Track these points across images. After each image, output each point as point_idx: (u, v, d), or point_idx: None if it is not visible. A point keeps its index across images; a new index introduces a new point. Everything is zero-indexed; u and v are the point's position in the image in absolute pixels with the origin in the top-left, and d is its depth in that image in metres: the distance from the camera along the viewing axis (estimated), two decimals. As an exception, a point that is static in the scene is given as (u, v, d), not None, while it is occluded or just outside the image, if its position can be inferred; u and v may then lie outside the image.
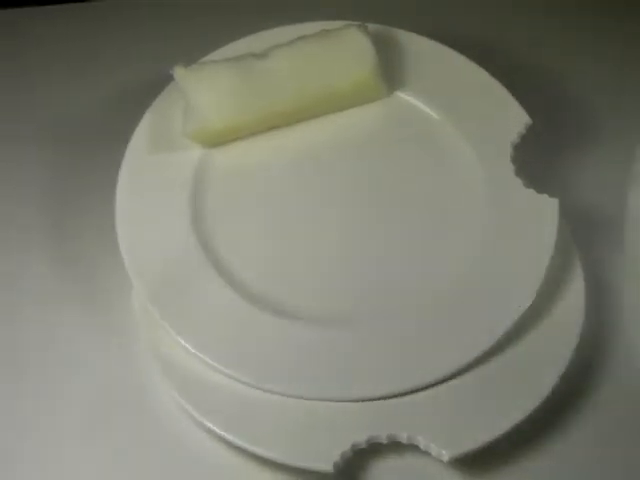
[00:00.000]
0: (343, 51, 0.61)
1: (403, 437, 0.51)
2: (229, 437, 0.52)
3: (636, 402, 0.56)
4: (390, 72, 0.64)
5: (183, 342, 0.54)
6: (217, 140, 0.62)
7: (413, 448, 0.51)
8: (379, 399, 0.52)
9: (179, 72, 0.61)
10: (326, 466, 0.50)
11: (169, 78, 0.61)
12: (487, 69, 0.63)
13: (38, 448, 0.55)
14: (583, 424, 0.55)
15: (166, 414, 0.55)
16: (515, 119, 0.61)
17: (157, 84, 0.63)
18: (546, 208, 0.58)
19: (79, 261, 0.62)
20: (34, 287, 0.61)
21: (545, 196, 0.58)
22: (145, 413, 0.56)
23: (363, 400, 0.52)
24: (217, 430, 0.52)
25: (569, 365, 0.54)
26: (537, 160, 0.63)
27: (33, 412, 0.56)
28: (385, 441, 0.51)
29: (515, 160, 0.59)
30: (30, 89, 0.72)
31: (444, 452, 0.50)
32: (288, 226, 0.59)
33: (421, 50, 0.65)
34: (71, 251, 0.62)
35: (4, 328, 0.60)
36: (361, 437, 0.51)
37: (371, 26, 0.63)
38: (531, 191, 0.58)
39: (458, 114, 0.63)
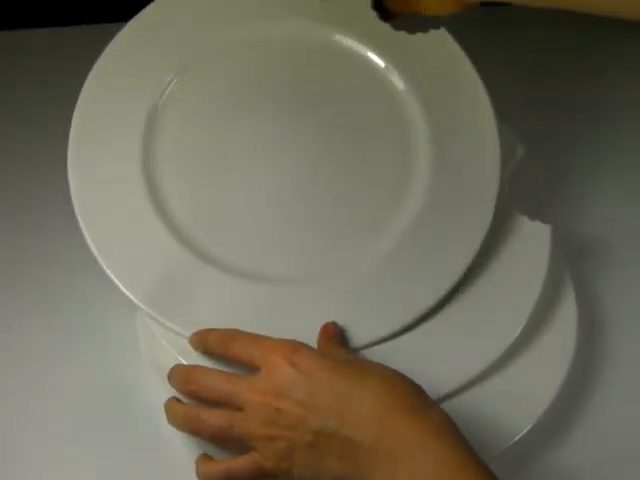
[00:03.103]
0: None
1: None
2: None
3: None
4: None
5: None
6: None
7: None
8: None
9: None
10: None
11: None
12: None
13: (38, 448, 0.57)
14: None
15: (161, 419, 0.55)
16: (509, 149, 0.62)
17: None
18: (539, 234, 0.59)
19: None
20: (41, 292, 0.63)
21: (537, 222, 0.59)
22: (142, 418, 0.58)
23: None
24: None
25: (560, 389, 0.56)
26: (531, 187, 0.64)
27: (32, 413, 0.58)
28: None
29: (509, 187, 0.61)
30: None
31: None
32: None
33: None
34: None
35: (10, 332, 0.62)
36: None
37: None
38: (524, 218, 0.59)
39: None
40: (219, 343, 0.53)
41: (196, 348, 0.54)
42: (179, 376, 0.52)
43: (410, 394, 0.48)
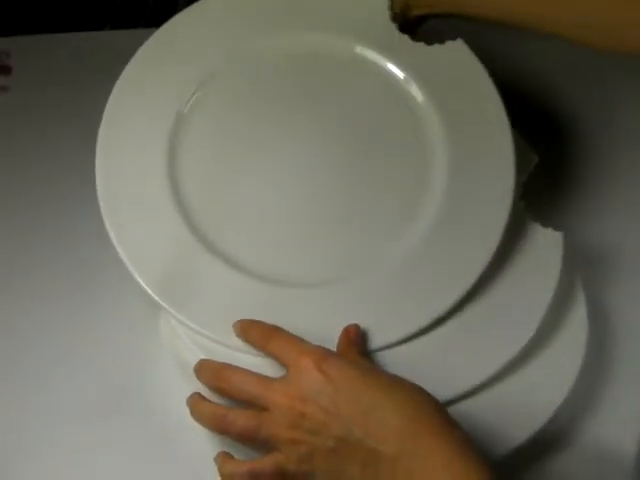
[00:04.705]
0: None
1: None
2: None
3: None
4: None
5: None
6: None
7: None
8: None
9: None
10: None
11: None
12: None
13: (55, 444, 0.59)
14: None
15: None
16: (524, 158, 0.63)
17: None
18: (551, 241, 0.60)
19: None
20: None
21: (550, 230, 0.60)
22: (163, 411, 0.60)
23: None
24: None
25: (568, 396, 0.56)
26: (543, 195, 0.65)
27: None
28: None
29: (522, 195, 0.61)
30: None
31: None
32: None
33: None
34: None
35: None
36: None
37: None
38: (536, 224, 0.60)
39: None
40: (261, 336, 0.54)
41: (237, 335, 0.55)
42: (210, 373, 0.54)
43: (435, 413, 0.49)
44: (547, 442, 0.57)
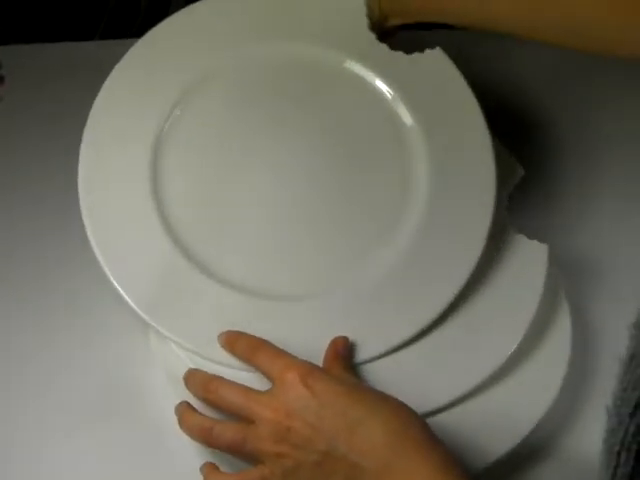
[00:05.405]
0: None
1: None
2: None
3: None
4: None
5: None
6: None
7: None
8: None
9: None
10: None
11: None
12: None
13: (44, 444, 0.60)
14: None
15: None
16: (509, 171, 0.64)
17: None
18: (535, 253, 0.60)
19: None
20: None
21: (535, 242, 0.60)
22: (150, 418, 0.61)
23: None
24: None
25: (550, 408, 0.57)
26: (529, 207, 0.66)
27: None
28: None
29: (507, 207, 0.62)
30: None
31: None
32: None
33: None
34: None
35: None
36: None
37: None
38: (521, 236, 0.61)
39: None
40: (246, 349, 0.55)
41: (223, 347, 0.55)
42: (199, 383, 0.54)
43: (419, 429, 0.49)
44: (528, 455, 0.58)
